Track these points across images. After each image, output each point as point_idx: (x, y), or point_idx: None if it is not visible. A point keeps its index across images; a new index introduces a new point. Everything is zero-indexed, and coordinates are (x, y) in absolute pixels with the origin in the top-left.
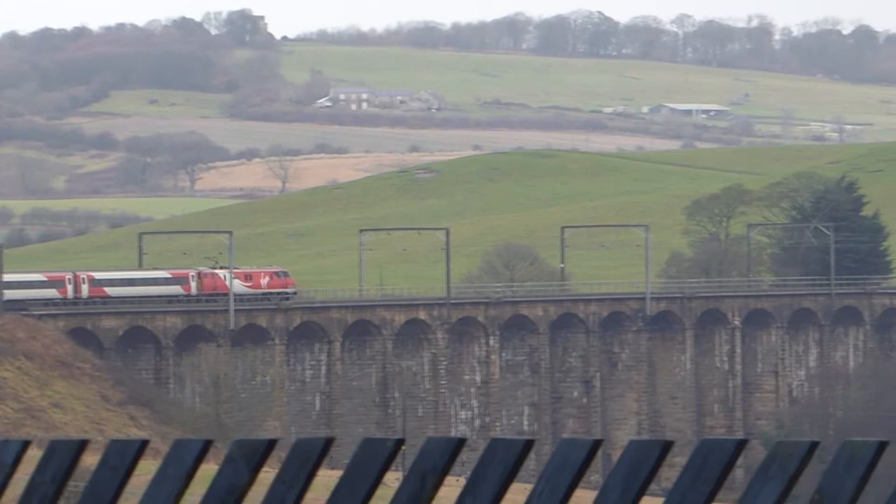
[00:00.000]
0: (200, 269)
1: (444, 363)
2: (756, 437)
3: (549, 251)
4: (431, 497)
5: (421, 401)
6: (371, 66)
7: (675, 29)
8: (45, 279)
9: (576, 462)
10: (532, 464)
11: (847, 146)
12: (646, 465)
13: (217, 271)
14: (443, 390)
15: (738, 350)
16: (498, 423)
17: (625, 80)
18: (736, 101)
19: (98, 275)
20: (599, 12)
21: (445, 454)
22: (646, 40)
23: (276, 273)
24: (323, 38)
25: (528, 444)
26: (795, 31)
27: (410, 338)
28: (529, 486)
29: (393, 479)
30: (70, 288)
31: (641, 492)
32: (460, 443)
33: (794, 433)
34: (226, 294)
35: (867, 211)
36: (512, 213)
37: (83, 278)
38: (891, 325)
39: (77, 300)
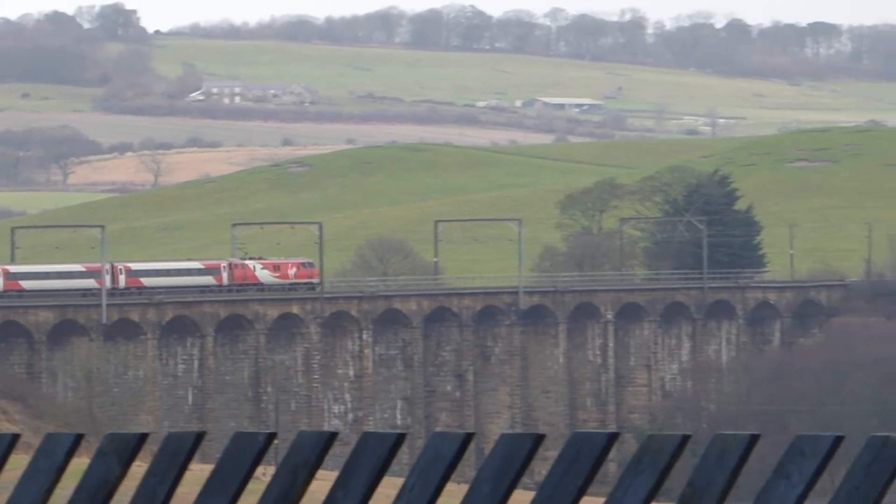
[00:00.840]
0: (231, 259)
1: (318, 357)
2: (628, 430)
3: (422, 245)
4: (303, 491)
5: (294, 395)
6: (244, 59)
7: (548, 23)
8: (84, 269)
9: (447, 455)
10: (405, 457)
11: (720, 140)
12: (517, 459)
13: (247, 262)
14: (316, 384)
15: (611, 344)
16: (371, 417)
17: (498, 74)
18: (609, 95)
19: (135, 265)
20: (472, 6)
21: (317, 448)
22: (519, 34)
23: (303, 264)
24: (196, 31)
25: (400, 438)
26: (668, 25)
27: (283, 332)
28: (402, 480)
29: (266, 474)
30: (108, 278)
31: (513, 485)
32: (332, 436)
33: (666, 427)
34: (255, 284)
35: (740, 205)
36: (385, 207)
37: (120, 269)
38: (763, 319)
39: (114, 290)
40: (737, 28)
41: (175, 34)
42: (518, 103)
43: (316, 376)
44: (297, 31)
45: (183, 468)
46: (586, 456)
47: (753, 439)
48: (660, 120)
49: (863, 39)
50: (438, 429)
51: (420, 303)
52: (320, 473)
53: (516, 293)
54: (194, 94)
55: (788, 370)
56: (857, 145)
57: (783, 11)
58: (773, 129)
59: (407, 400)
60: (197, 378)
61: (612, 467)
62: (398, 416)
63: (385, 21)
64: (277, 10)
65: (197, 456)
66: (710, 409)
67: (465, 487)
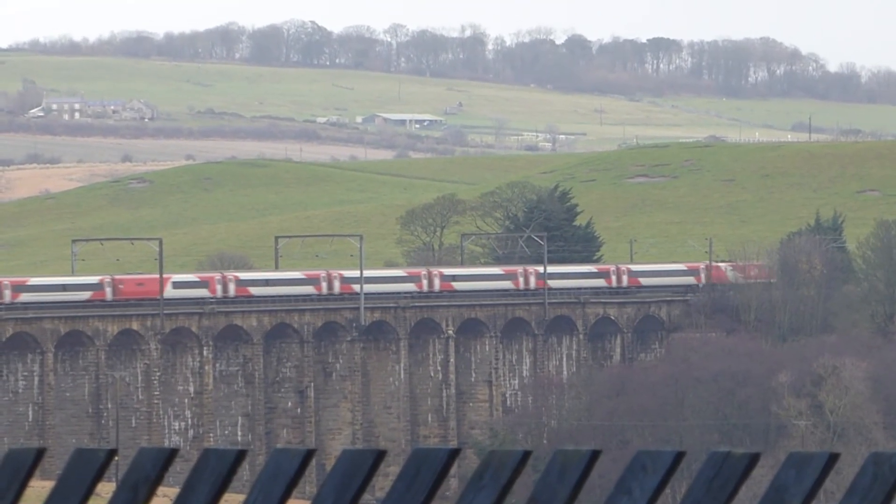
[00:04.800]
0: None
1: (158, 374)
2: (470, 446)
3: (263, 261)
4: None
5: (134, 411)
6: (84, 75)
7: (389, 39)
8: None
9: (289, 472)
10: (246, 474)
11: (560, 156)
12: (359, 475)
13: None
14: (156, 401)
15: (452, 359)
16: (211, 434)
17: (338, 90)
18: (449, 111)
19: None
20: (312, 22)
21: (157, 464)
22: (359, 50)
23: None
24: (35, 47)
25: (241, 455)
26: (508, 41)
27: (123, 348)
28: (243, 496)
29: (107, 491)
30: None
31: (354, 501)
32: (172, 453)
33: (507, 442)
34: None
35: (580, 220)
36: (225, 223)
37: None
38: (603, 335)
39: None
40: (577, 44)
41: (14, 50)
42: (358, 119)
43: (156, 393)
44: (137, 46)
45: (24, 485)
46: (427, 472)
47: (594, 455)
48: (500, 136)
49: (703, 55)
50: (279, 445)
51: (260, 318)
52: (161, 490)
53: (357, 309)
54: (34, 110)
55: (629, 386)
56: (696, 161)
57: (623, 27)
58: (612, 144)
59: (248, 416)
60: (37, 394)
61: (453, 483)
62: (239, 433)
63: (225, 37)
64: (117, 26)
65: (37, 472)
66: (550, 425)
67: None
